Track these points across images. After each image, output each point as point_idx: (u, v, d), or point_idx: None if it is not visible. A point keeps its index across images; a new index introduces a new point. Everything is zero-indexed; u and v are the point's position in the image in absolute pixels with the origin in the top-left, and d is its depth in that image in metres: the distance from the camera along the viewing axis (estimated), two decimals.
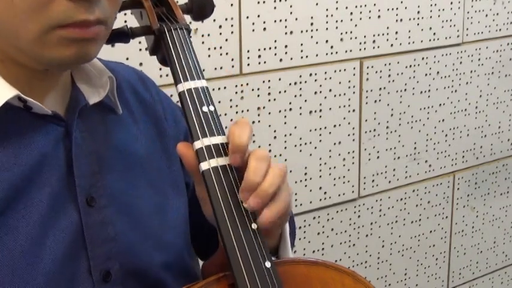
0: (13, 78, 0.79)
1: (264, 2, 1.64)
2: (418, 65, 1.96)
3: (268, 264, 0.77)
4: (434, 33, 1.97)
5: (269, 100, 1.69)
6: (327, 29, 1.76)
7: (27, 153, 0.80)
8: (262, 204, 0.77)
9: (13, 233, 0.77)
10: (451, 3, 1.98)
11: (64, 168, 0.82)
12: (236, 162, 0.78)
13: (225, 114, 1.62)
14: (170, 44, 0.84)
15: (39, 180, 0.80)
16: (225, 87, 1.61)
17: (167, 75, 1.48)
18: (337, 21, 1.77)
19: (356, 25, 1.81)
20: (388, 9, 1.86)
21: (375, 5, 1.83)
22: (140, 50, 1.46)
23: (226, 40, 1.60)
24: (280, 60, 1.69)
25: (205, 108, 0.81)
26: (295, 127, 1.76)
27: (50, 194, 0.80)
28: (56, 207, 0.80)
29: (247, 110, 1.66)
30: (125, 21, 1.31)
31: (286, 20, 1.68)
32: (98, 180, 0.85)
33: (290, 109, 1.74)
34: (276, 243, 0.94)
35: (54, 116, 0.82)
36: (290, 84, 1.72)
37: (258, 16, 1.64)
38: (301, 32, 1.71)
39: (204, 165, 0.78)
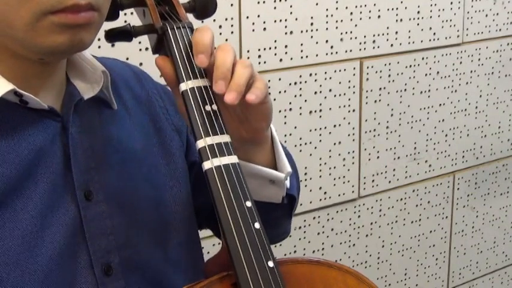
0: (8, 74, 0.79)
1: (264, 2, 1.63)
2: (418, 65, 1.96)
3: (271, 263, 0.76)
4: (434, 33, 1.97)
5: None
6: (327, 29, 1.76)
7: (24, 149, 0.80)
8: (239, 97, 0.79)
9: (11, 228, 0.77)
10: (451, 3, 1.98)
11: (61, 163, 0.83)
12: (202, 63, 0.80)
13: None
14: (173, 43, 0.84)
15: (36, 175, 0.80)
16: None
17: None
18: (337, 21, 1.77)
19: (356, 25, 1.81)
20: (388, 9, 1.86)
21: (375, 5, 1.83)
22: (140, 50, 1.46)
23: (226, 40, 1.60)
24: (280, 60, 1.69)
25: (208, 108, 0.81)
26: (295, 127, 1.76)
27: (47, 189, 0.80)
28: (54, 202, 0.81)
29: None
30: (125, 21, 1.30)
31: (286, 20, 1.68)
32: (94, 175, 0.85)
33: (290, 109, 1.73)
34: (271, 157, 0.94)
35: (51, 111, 0.82)
36: (290, 84, 1.72)
37: (258, 16, 1.64)
38: (301, 32, 1.71)
39: (207, 165, 0.78)
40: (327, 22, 1.75)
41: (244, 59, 0.86)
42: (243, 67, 0.81)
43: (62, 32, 0.76)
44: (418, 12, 1.92)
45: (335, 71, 1.80)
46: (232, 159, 0.79)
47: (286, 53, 1.70)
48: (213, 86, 0.80)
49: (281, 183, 0.94)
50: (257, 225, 0.77)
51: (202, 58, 0.80)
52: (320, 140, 1.81)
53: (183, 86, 0.82)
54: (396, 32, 1.89)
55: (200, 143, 0.79)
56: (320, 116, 1.79)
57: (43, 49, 0.77)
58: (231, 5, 1.59)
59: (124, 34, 0.87)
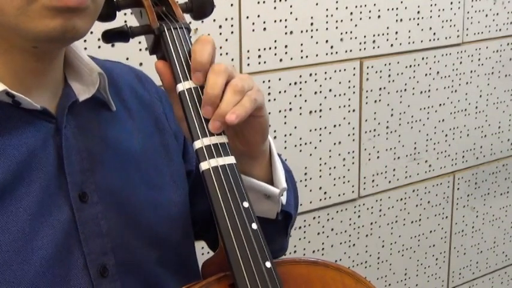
0: (2, 71, 0.79)
1: (264, 2, 1.63)
2: (418, 65, 1.96)
3: (268, 264, 0.76)
4: (434, 33, 1.97)
5: (269, 100, 1.69)
6: (327, 29, 1.76)
7: (15, 150, 0.80)
8: (223, 126, 0.79)
9: (3, 231, 0.77)
10: (451, 3, 1.98)
11: (54, 164, 0.83)
12: (198, 81, 0.80)
13: None
14: (170, 43, 0.84)
15: (28, 177, 0.80)
16: None
17: None
18: (337, 21, 1.77)
19: (356, 25, 1.81)
20: (388, 9, 1.86)
21: (375, 5, 1.83)
22: (140, 50, 1.46)
23: (226, 40, 1.60)
24: (280, 60, 1.69)
25: None
26: (295, 127, 1.75)
27: (40, 191, 0.80)
28: (47, 204, 0.81)
29: None
30: (125, 21, 1.31)
31: (286, 20, 1.68)
32: (89, 177, 0.85)
33: (290, 109, 1.73)
34: (268, 172, 0.94)
35: (44, 112, 0.82)
36: (290, 84, 1.72)
37: (258, 16, 1.64)
38: (301, 32, 1.71)
39: (204, 165, 0.78)
40: (327, 22, 1.75)
41: (243, 74, 0.83)
42: (233, 93, 0.80)
43: (54, 17, 0.75)
44: (418, 12, 1.92)
45: (335, 71, 1.80)
46: (230, 159, 0.79)
47: (286, 53, 1.70)
48: (200, 110, 0.80)
49: (276, 199, 0.94)
50: (254, 225, 0.77)
51: (199, 76, 0.81)
52: (320, 140, 1.81)
53: (180, 87, 0.82)
54: (396, 32, 1.89)
55: (197, 144, 0.79)
56: (320, 116, 1.79)
57: (36, 34, 0.76)
58: (231, 5, 1.59)
59: (121, 35, 0.87)
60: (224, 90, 0.80)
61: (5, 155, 0.79)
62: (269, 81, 1.68)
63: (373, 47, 1.85)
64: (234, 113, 0.79)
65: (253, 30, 1.63)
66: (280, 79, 1.70)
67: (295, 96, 1.74)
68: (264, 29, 1.65)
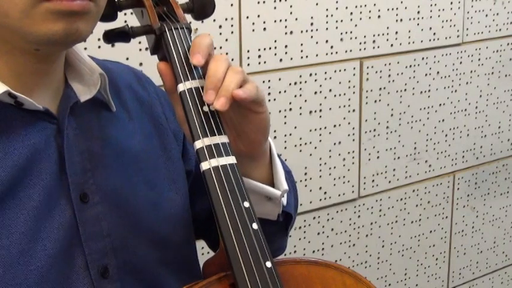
0: (4, 71, 0.79)
1: (264, 2, 1.63)
2: (418, 65, 1.96)
3: (268, 264, 0.77)
4: (434, 33, 1.97)
5: (269, 100, 1.69)
6: (327, 29, 1.76)
7: (18, 150, 0.80)
8: (228, 102, 0.79)
9: (6, 231, 0.77)
10: (451, 3, 1.98)
11: (56, 165, 0.83)
12: (198, 62, 0.80)
13: None
14: (171, 44, 0.84)
15: (31, 178, 0.80)
16: None
17: None
18: (337, 21, 1.77)
19: (356, 25, 1.81)
20: (388, 9, 1.86)
21: (375, 5, 1.83)
22: (140, 50, 1.46)
23: (226, 40, 1.60)
24: (280, 60, 1.69)
25: (206, 108, 0.81)
26: (295, 127, 1.76)
27: (42, 191, 0.80)
28: (49, 204, 0.81)
29: None
30: (125, 21, 1.31)
31: (286, 20, 1.68)
32: (90, 177, 0.85)
33: (290, 109, 1.73)
34: (269, 174, 0.94)
35: (46, 112, 0.82)
36: (290, 84, 1.72)
37: (258, 16, 1.64)
38: (301, 32, 1.71)
39: (205, 165, 0.78)
40: (327, 22, 1.75)
41: (237, 65, 0.85)
42: (234, 73, 0.81)
43: (58, 20, 0.75)
44: (418, 12, 1.92)
45: (335, 71, 1.80)
46: (230, 159, 0.79)
47: (286, 53, 1.70)
48: (203, 96, 0.80)
49: (277, 201, 0.94)
50: (255, 225, 0.78)
51: (198, 57, 0.81)
52: (320, 140, 1.81)
53: (181, 87, 0.82)
54: (396, 32, 1.89)
55: (198, 144, 0.79)
56: (320, 116, 1.79)
57: (39, 37, 0.76)
58: (231, 5, 1.59)
59: (122, 35, 0.87)
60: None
61: (8, 156, 0.79)
62: (269, 81, 1.68)
63: (373, 47, 1.85)
64: (241, 89, 0.80)
65: (253, 30, 1.63)
66: (280, 79, 1.70)
67: (295, 96, 1.74)
68: (264, 29, 1.65)
